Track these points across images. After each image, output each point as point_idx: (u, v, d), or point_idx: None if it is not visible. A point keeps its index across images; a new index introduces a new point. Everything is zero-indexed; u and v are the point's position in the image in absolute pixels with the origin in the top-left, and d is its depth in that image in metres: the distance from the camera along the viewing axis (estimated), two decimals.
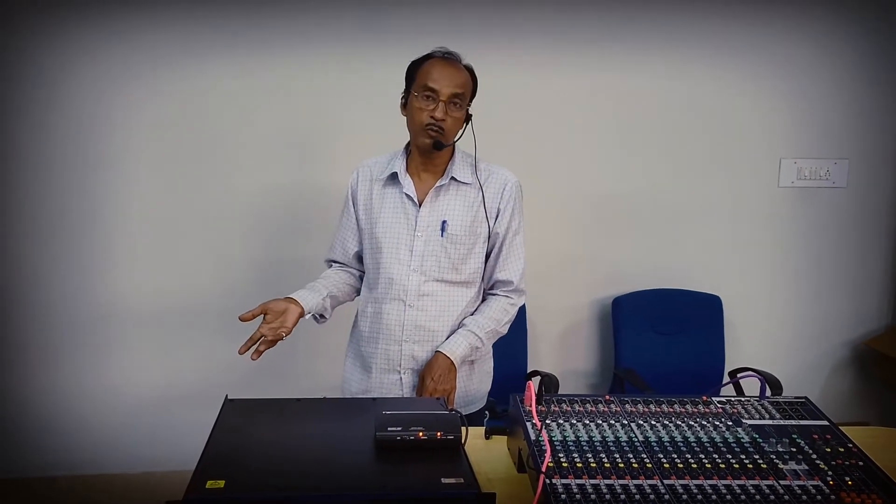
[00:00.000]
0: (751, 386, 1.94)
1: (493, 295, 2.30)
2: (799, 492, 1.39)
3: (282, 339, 2.06)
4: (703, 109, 3.55)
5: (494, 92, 3.33)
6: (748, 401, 1.77)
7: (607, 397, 1.75)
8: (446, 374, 2.13)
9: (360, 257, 2.34)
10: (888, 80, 3.64)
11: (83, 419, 3.40)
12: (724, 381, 3.36)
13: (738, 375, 2.59)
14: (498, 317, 2.26)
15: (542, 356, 3.52)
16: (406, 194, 2.19)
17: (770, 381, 2.31)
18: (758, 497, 1.36)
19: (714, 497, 1.36)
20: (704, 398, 1.76)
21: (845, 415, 3.69)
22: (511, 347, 3.39)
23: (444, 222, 2.17)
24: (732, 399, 1.77)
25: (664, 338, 3.51)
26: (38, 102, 3.18)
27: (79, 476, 3.41)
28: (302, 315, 2.13)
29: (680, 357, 3.48)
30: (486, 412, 2.39)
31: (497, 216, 2.22)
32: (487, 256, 2.26)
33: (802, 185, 3.66)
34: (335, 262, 2.38)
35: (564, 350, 3.62)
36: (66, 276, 3.31)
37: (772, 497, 1.36)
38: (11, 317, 3.32)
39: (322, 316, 2.26)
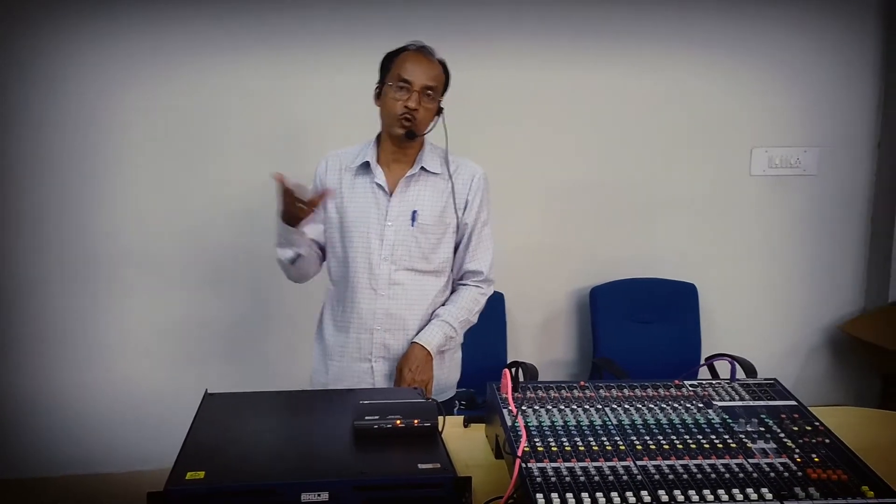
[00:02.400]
0: (725, 371, 1.99)
1: (464, 285, 2.34)
2: (767, 469, 1.43)
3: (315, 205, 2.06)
4: (675, 100, 3.59)
5: (472, 84, 3.35)
6: (719, 383, 1.81)
7: (582, 383, 1.78)
8: (423, 365, 2.18)
9: (318, 244, 2.34)
10: (855, 69, 3.69)
11: (64, 420, 3.40)
12: (698, 367, 3.40)
13: (710, 359, 2.64)
14: (470, 306, 2.31)
15: (521, 347, 3.55)
16: (377, 183, 2.22)
17: (745, 366, 2.34)
18: (728, 475, 1.40)
19: (686, 476, 1.39)
20: (677, 382, 1.80)
21: (821, 398, 3.76)
22: (491, 338, 3.43)
23: (414, 212, 2.20)
24: (704, 382, 1.82)
25: (642, 326, 3.56)
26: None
27: (59, 477, 3.41)
28: (320, 204, 2.10)
29: (657, 345, 3.52)
30: (463, 402, 2.43)
31: (466, 207, 2.26)
32: (456, 247, 2.30)
33: (774, 174, 3.71)
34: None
35: (544, 340, 3.65)
36: (45, 276, 3.32)
37: (741, 475, 1.40)
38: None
39: (299, 256, 2.23)
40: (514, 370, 1.73)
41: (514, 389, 1.70)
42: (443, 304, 2.31)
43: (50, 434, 3.39)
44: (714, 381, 1.82)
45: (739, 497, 1.33)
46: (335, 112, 3.30)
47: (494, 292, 3.41)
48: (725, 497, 1.33)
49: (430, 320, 2.27)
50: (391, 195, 2.22)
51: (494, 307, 3.45)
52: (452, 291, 2.35)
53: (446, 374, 2.37)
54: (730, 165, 3.69)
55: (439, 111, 2.24)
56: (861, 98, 3.72)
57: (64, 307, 3.35)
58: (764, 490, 1.35)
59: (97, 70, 3.21)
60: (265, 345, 3.46)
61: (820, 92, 3.68)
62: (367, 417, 1.39)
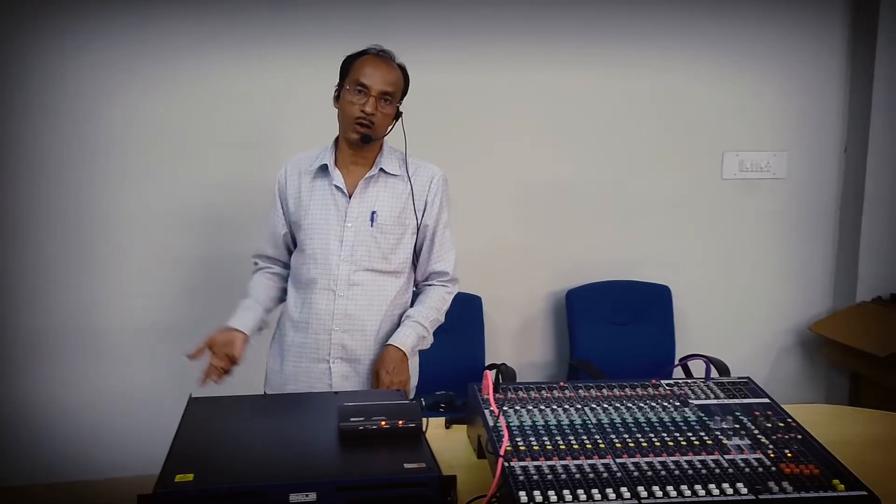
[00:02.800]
0: (699, 371, 2.03)
1: (430, 285, 2.36)
2: (742, 465, 1.47)
3: (236, 364, 2.14)
4: (649, 105, 3.65)
5: (449, 86, 3.44)
6: (694, 382, 1.85)
7: (562, 384, 1.82)
8: (400, 366, 2.18)
9: (290, 250, 2.37)
10: (823, 76, 3.78)
11: (48, 427, 3.38)
12: (673, 367, 3.46)
13: (684, 359, 2.68)
14: (438, 306, 2.33)
15: (499, 349, 3.58)
16: (336, 186, 2.23)
17: (718, 366, 2.39)
18: (704, 471, 1.44)
19: (664, 473, 1.43)
20: (653, 382, 1.84)
21: (793, 396, 3.82)
22: (469, 341, 3.46)
23: (373, 212, 2.22)
24: (680, 381, 1.86)
25: (617, 328, 3.60)
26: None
27: (44, 484, 3.39)
28: (247, 340, 2.21)
29: (633, 346, 3.57)
30: (442, 405, 2.45)
31: (425, 208, 2.28)
32: (418, 249, 2.32)
33: (745, 177, 3.78)
34: (266, 256, 2.40)
35: (521, 343, 3.69)
36: (29, 285, 3.32)
37: (717, 471, 1.44)
38: None
39: (261, 329, 2.32)
40: (494, 371, 1.76)
41: (496, 390, 1.73)
42: (411, 306, 2.33)
43: (34, 441, 3.37)
44: (689, 381, 1.87)
45: (716, 492, 1.37)
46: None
47: (472, 295, 3.49)
48: (703, 492, 1.37)
49: (397, 321, 2.29)
50: (350, 197, 2.23)
51: (472, 310, 3.48)
52: (419, 293, 2.37)
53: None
54: (702, 169, 3.75)
55: (398, 115, 2.26)
56: (829, 104, 3.80)
57: (54, 310, 3.35)
58: (739, 485, 1.39)
59: (91, 73, 3.24)
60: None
61: (789, 98, 3.76)
62: (352, 419, 1.41)
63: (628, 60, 3.59)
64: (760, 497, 1.37)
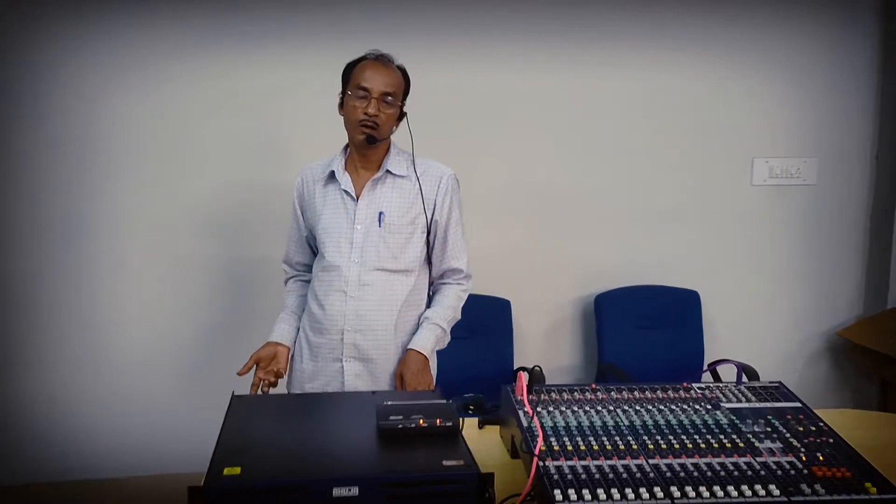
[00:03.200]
0: (727, 376, 2.04)
1: (445, 284, 2.42)
2: (774, 467, 1.49)
3: (281, 377, 2.28)
4: (678, 112, 3.66)
5: (476, 91, 3.48)
6: (726, 386, 1.87)
7: (593, 386, 1.85)
8: (423, 369, 2.26)
9: (315, 254, 2.45)
10: (854, 81, 3.76)
11: (72, 425, 3.46)
12: (702, 371, 3.47)
13: (714, 364, 2.70)
14: (454, 304, 2.41)
15: (527, 353, 3.60)
16: (344, 190, 2.30)
17: (747, 372, 2.41)
18: (736, 473, 1.46)
19: (696, 474, 1.45)
20: (685, 385, 1.86)
21: (821, 402, 3.81)
22: (498, 344, 3.49)
23: (381, 213, 2.28)
24: (711, 385, 1.88)
25: (645, 332, 3.61)
26: None
27: (70, 482, 3.46)
28: (289, 352, 2.35)
29: (661, 351, 3.58)
30: (472, 407, 2.49)
31: (434, 207, 2.33)
32: (430, 248, 2.37)
33: (774, 183, 3.78)
34: (294, 263, 2.50)
35: (549, 347, 3.71)
36: (51, 281, 3.40)
37: (749, 473, 1.46)
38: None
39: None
40: (528, 373, 1.80)
41: (529, 392, 1.76)
42: (428, 306, 2.40)
43: (33, 440, 3.45)
44: (721, 384, 1.89)
45: (748, 493, 1.40)
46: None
47: (501, 299, 3.52)
48: (735, 494, 1.40)
49: (412, 320, 2.35)
50: (357, 199, 2.29)
51: (501, 313, 3.52)
52: (435, 292, 2.43)
53: None
54: (731, 175, 3.76)
55: (403, 115, 2.32)
56: (859, 111, 3.79)
57: (58, 310, 3.41)
58: (771, 487, 1.41)
59: (91, 74, 3.29)
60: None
61: (820, 104, 3.75)
62: (391, 417, 1.45)
63: (659, 65, 3.60)
64: (792, 499, 1.39)
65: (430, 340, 2.30)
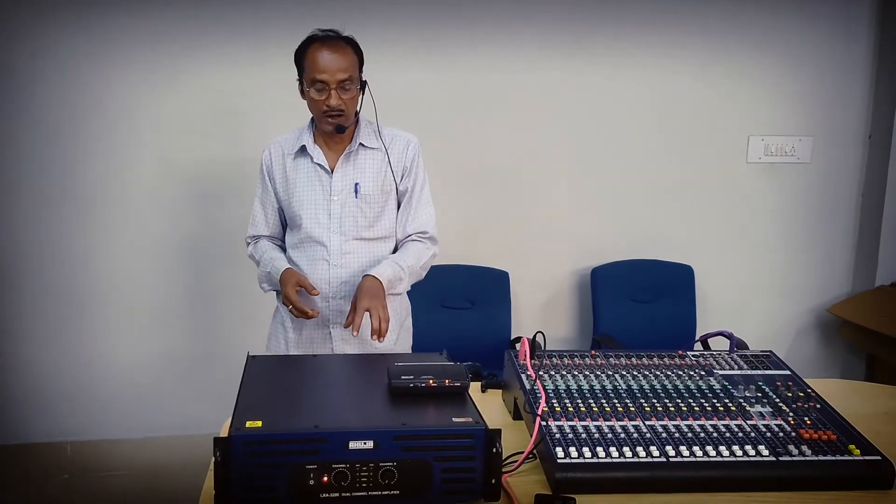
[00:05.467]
0: (719, 348, 2.12)
1: (411, 240, 2.43)
2: (764, 430, 1.57)
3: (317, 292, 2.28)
4: (676, 90, 3.71)
5: (472, 73, 3.52)
6: (719, 354, 1.96)
7: (593, 352, 1.93)
8: (378, 292, 2.20)
9: (284, 227, 2.48)
10: (850, 62, 3.81)
11: (79, 387, 3.56)
12: (694, 342, 3.55)
13: (705, 336, 2.77)
14: (417, 255, 2.38)
15: (524, 324, 3.68)
16: (318, 164, 2.34)
17: (738, 344, 2.47)
18: (728, 434, 1.55)
19: (690, 435, 1.54)
20: (680, 353, 1.94)
21: (811, 376, 3.83)
22: (496, 315, 3.57)
23: (356, 184, 2.33)
24: (705, 353, 1.96)
25: (640, 305, 3.69)
26: None
27: (82, 442, 3.57)
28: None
29: (655, 323, 3.66)
30: (469, 375, 2.55)
31: (403, 174, 2.38)
32: (398, 211, 2.42)
33: (769, 161, 3.84)
34: (261, 236, 2.48)
35: (546, 318, 3.79)
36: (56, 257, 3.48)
37: (740, 434, 1.55)
38: (18, 293, 3.48)
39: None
40: (531, 340, 1.87)
41: (531, 357, 1.84)
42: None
43: (52, 401, 3.56)
44: (714, 352, 1.97)
45: (739, 453, 1.48)
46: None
47: (500, 271, 3.60)
48: (727, 453, 1.48)
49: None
50: (332, 172, 2.34)
51: (500, 285, 3.59)
52: (398, 247, 2.44)
53: (402, 344, 2.49)
54: (728, 153, 3.82)
55: (363, 86, 2.30)
56: (854, 91, 3.85)
57: (62, 295, 3.51)
58: (761, 447, 1.50)
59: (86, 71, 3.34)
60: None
61: (815, 84, 3.81)
62: (402, 377, 1.52)
63: (657, 44, 3.65)
64: (780, 459, 1.48)
65: (387, 271, 2.27)
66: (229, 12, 3.36)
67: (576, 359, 1.89)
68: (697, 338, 3.61)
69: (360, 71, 2.30)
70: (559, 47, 3.60)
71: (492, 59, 3.55)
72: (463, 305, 3.54)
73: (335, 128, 2.26)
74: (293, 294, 2.20)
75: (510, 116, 3.61)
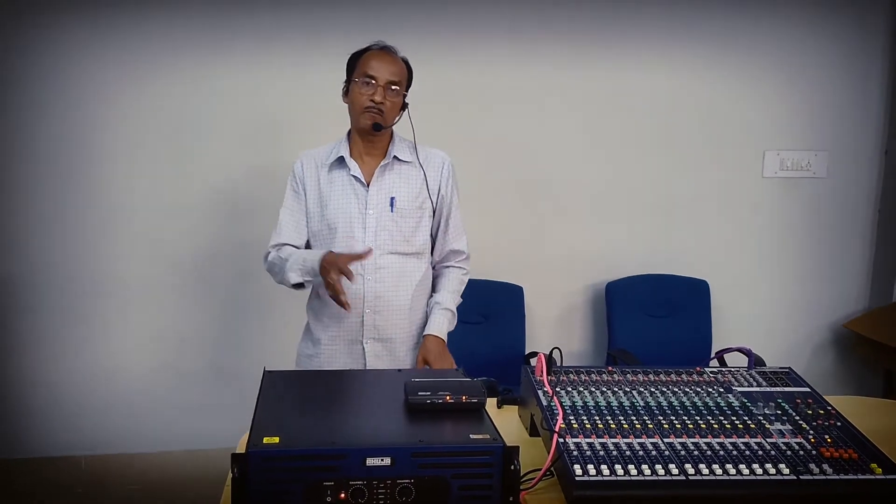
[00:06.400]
0: (735, 364, 2.10)
1: (447, 267, 2.50)
2: (784, 448, 1.56)
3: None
4: (691, 104, 3.72)
5: (486, 83, 3.53)
6: (737, 370, 1.94)
7: (609, 368, 1.91)
8: (444, 351, 2.35)
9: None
10: (865, 77, 3.81)
11: (94, 401, 3.56)
12: (710, 359, 3.52)
13: (721, 352, 2.75)
14: (459, 288, 2.50)
15: (539, 339, 3.67)
16: (354, 176, 2.35)
17: (754, 361, 2.45)
18: (748, 453, 1.53)
19: (709, 453, 1.52)
20: (697, 369, 1.93)
21: (826, 392, 3.82)
22: (510, 329, 3.56)
23: (392, 198, 2.35)
24: (723, 369, 1.95)
25: (655, 320, 3.68)
26: None
27: (96, 456, 3.57)
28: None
29: (670, 338, 3.64)
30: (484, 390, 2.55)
31: (439, 192, 2.41)
32: (434, 231, 2.45)
33: (785, 176, 3.83)
34: (287, 244, 2.42)
35: (561, 332, 3.78)
36: (60, 262, 3.49)
37: (760, 453, 1.53)
38: (35, 308, 3.49)
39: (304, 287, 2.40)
40: (547, 355, 1.86)
41: (548, 373, 1.83)
42: (434, 290, 2.47)
43: (60, 416, 3.56)
44: (732, 369, 1.95)
45: (759, 472, 1.47)
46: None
47: (514, 285, 3.59)
48: (747, 472, 1.46)
49: (425, 301, 2.43)
50: (368, 185, 2.35)
51: (514, 299, 3.59)
52: (438, 275, 2.50)
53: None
54: (743, 167, 3.81)
55: (405, 106, 2.37)
56: (870, 106, 3.84)
57: (78, 310, 3.52)
58: (781, 466, 1.48)
59: (88, 71, 3.36)
60: (253, 331, 3.63)
61: (831, 99, 3.80)
62: (419, 393, 1.52)
63: (672, 59, 3.66)
64: (802, 478, 1.46)
65: (444, 324, 2.39)
66: (247, 23, 3.39)
67: (592, 375, 1.88)
68: (714, 353, 3.59)
69: (406, 89, 2.36)
70: (575, 64, 3.60)
71: (511, 74, 3.56)
72: (477, 320, 3.53)
73: (373, 125, 2.28)
74: (338, 283, 2.15)
75: (526, 132, 3.62)
